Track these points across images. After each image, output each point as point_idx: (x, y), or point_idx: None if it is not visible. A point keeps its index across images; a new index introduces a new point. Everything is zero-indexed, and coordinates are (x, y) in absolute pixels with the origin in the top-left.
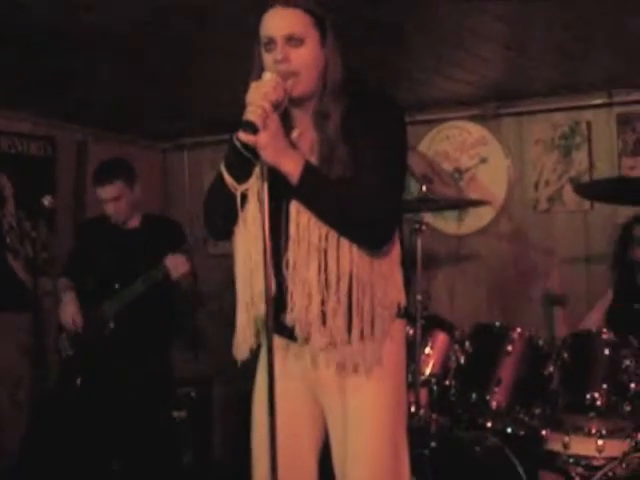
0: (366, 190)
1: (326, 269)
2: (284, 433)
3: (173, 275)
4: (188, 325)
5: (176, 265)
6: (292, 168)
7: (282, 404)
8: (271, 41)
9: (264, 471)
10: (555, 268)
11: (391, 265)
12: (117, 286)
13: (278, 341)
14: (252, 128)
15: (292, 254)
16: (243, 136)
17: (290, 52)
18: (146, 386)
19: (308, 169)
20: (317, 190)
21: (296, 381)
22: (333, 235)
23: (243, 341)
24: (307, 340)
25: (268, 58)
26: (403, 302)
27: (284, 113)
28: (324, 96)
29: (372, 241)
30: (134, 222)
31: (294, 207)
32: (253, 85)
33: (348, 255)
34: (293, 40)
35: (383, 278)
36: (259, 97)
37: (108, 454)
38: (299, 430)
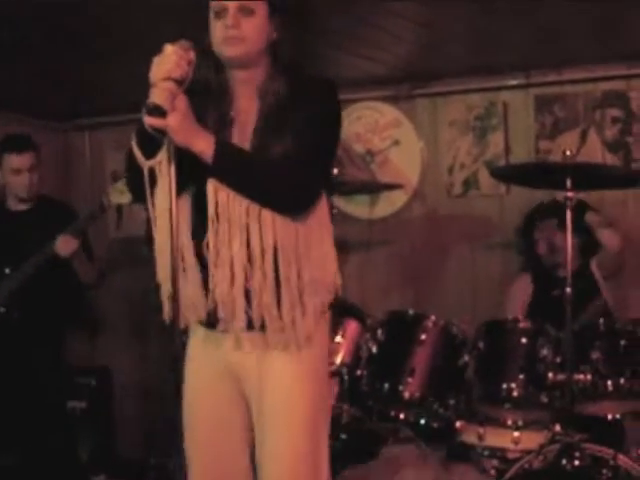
0: (285, 156)
1: (249, 245)
2: (209, 422)
3: (61, 253)
4: (86, 310)
5: (64, 244)
6: (204, 147)
7: (205, 392)
8: (223, 9)
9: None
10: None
11: (321, 240)
12: (7, 271)
13: (198, 328)
14: (160, 111)
15: (212, 234)
16: (151, 120)
17: (241, 19)
18: (40, 374)
19: (221, 145)
20: (233, 164)
21: (218, 368)
22: (254, 208)
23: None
24: (230, 322)
25: (218, 24)
26: (338, 282)
27: (223, 84)
28: (268, 69)
29: (291, 205)
30: (27, 204)
31: (211, 186)
32: (155, 61)
33: (271, 227)
34: (244, 10)
35: (311, 251)
36: (162, 75)
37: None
38: (225, 419)
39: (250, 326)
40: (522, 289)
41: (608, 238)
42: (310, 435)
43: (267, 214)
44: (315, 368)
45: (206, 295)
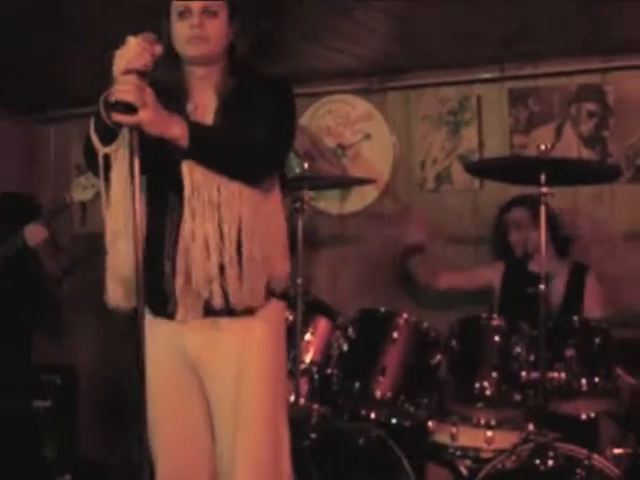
0: (252, 135)
1: (220, 222)
2: (173, 410)
3: (30, 242)
4: (52, 307)
5: (33, 233)
6: (178, 132)
7: (166, 379)
8: (188, 10)
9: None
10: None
11: (276, 222)
12: None
13: (159, 318)
14: (130, 108)
15: (188, 214)
16: (122, 118)
17: (205, 20)
18: (4, 373)
19: (193, 127)
20: (207, 142)
21: (178, 356)
22: (225, 186)
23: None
24: (191, 308)
25: (182, 24)
26: (287, 270)
27: (179, 81)
28: (225, 67)
29: (257, 170)
30: None
31: (186, 167)
32: (118, 53)
33: (238, 203)
34: (209, 11)
35: (269, 230)
36: (125, 66)
37: None
38: (191, 408)
39: (209, 313)
40: (489, 271)
41: (588, 311)
42: (269, 423)
43: (235, 189)
44: (274, 358)
45: (165, 283)
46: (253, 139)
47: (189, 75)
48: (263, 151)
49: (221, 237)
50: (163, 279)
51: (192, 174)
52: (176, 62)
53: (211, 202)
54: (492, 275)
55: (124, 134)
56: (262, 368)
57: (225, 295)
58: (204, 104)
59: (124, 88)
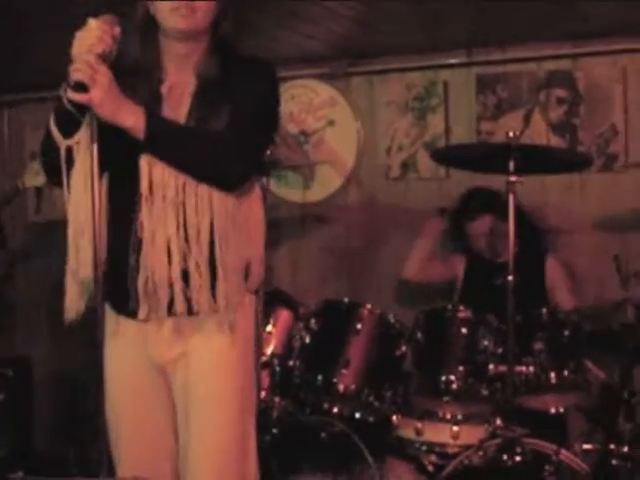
0: (221, 131)
1: (185, 223)
2: (137, 408)
3: None
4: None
5: None
6: (134, 122)
7: (130, 379)
8: None
9: (127, 453)
10: None
11: (253, 218)
12: None
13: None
14: (81, 87)
15: (146, 213)
16: (74, 96)
17: None
18: None
19: (152, 118)
20: (167, 136)
21: (142, 355)
22: (191, 184)
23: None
24: (158, 308)
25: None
26: (262, 270)
27: (152, 59)
28: (207, 46)
29: (228, 179)
30: None
31: (145, 162)
32: (77, 35)
33: (208, 205)
34: None
35: (243, 232)
36: (84, 50)
37: None
38: (152, 408)
39: (174, 311)
40: (449, 264)
41: (561, 300)
42: (237, 427)
43: (204, 191)
44: (242, 356)
45: (128, 280)
46: (226, 138)
47: (166, 52)
48: (237, 153)
49: (186, 240)
50: (126, 275)
51: (151, 170)
52: (152, 37)
53: (174, 202)
54: (457, 265)
55: (86, 124)
56: (229, 366)
57: (189, 301)
58: (181, 85)
59: (77, 67)
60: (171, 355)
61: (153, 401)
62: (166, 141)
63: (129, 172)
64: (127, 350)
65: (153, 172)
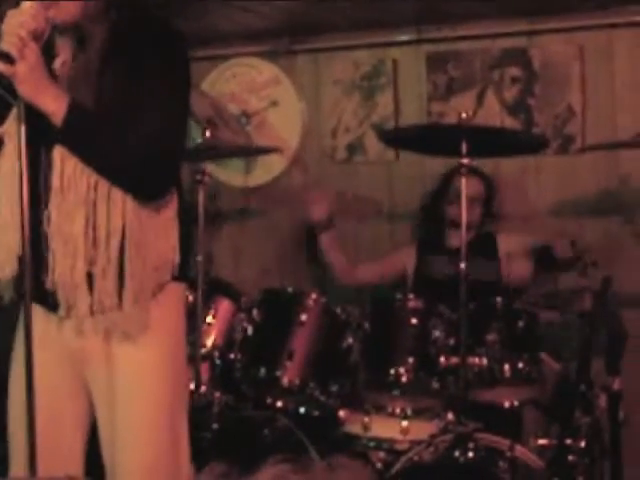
0: (143, 134)
1: (95, 224)
2: (43, 411)
3: None
4: None
5: None
6: (55, 107)
7: (40, 378)
8: None
9: (22, 454)
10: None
11: (167, 221)
12: None
13: (36, 308)
14: (7, 58)
15: (55, 207)
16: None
17: None
18: None
19: (74, 108)
20: (84, 133)
21: (56, 353)
22: (104, 185)
23: None
24: (72, 306)
25: None
26: (177, 261)
27: (47, 42)
28: (86, 19)
29: (149, 191)
30: None
31: (58, 153)
32: (9, 13)
33: (121, 209)
34: None
35: (157, 235)
36: (15, 25)
37: None
38: (60, 407)
39: (93, 310)
40: (398, 258)
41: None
42: (167, 425)
43: (117, 193)
44: (168, 351)
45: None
46: (148, 148)
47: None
48: (157, 165)
49: (94, 243)
50: (43, 269)
51: (63, 163)
52: None
53: (84, 200)
54: (406, 259)
55: (14, 115)
56: (156, 361)
57: (95, 302)
58: (71, 59)
59: (7, 39)
60: (89, 353)
61: (63, 401)
62: (82, 135)
63: (45, 161)
64: (37, 348)
65: (66, 164)
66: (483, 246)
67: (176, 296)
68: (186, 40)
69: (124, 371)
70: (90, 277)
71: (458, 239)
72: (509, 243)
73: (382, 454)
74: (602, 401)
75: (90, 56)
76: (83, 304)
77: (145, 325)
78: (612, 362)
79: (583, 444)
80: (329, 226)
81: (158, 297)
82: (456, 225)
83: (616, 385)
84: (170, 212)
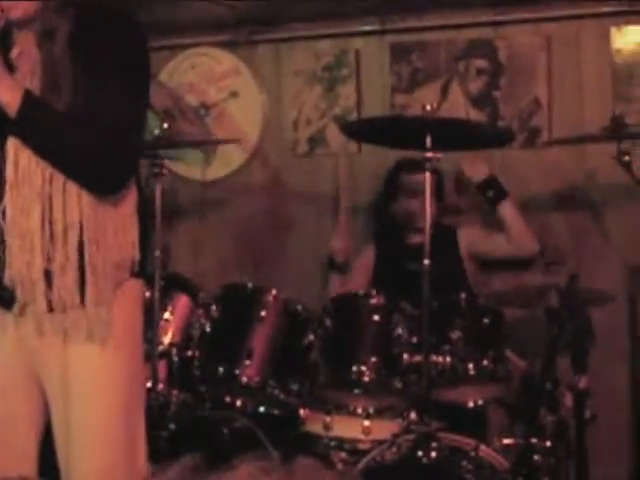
0: (100, 125)
1: (51, 218)
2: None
3: None
4: None
5: None
6: (9, 98)
7: None
8: None
9: None
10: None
11: (126, 216)
12: None
13: None
14: None
15: (10, 201)
16: None
17: None
18: None
19: (29, 99)
20: (39, 124)
21: (11, 351)
22: (59, 178)
23: None
24: (30, 303)
25: None
26: (137, 258)
27: (3, 32)
28: (47, 10)
29: (105, 186)
30: None
31: (12, 145)
32: None
33: (77, 202)
34: None
35: (117, 231)
36: None
37: None
38: (14, 407)
39: (52, 308)
40: (364, 264)
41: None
42: (124, 424)
43: (73, 187)
44: (126, 350)
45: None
46: (105, 142)
47: None
48: (113, 165)
49: (51, 238)
50: (0, 265)
51: (17, 155)
52: None
53: (39, 194)
54: (367, 262)
55: None
56: (113, 360)
57: (54, 299)
58: (31, 51)
59: None
60: (41, 352)
61: (15, 401)
62: (36, 127)
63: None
64: None
65: (20, 157)
66: (443, 241)
67: (135, 293)
68: (145, 31)
69: (80, 370)
70: (48, 274)
71: (417, 235)
72: (470, 237)
73: (344, 454)
74: (568, 400)
75: (53, 49)
76: (42, 302)
77: (109, 324)
78: (578, 360)
79: (549, 444)
80: (343, 271)
81: (117, 294)
82: (413, 221)
83: (582, 383)
84: (129, 207)
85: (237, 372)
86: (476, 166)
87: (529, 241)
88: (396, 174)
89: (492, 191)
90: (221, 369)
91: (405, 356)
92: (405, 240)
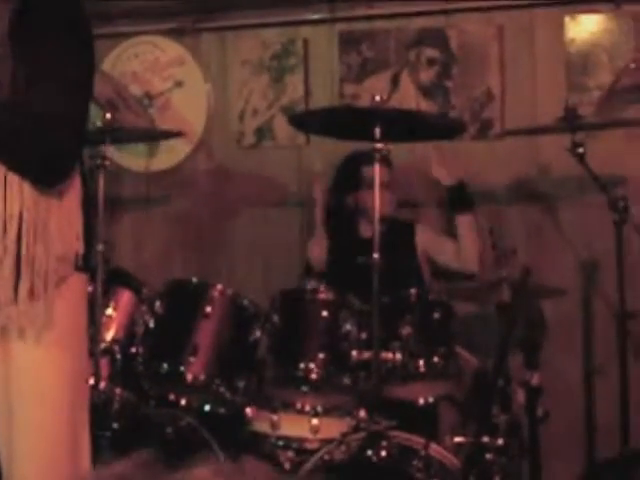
0: (40, 116)
1: None
2: None
3: None
4: None
5: None
6: None
7: None
8: None
9: None
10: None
11: (70, 208)
12: None
13: None
14: None
15: None
16: None
17: None
18: None
19: None
20: None
21: None
22: (0, 169)
23: None
24: None
25: None
26: (81, 252)
27: None
28: None
29: (47, 177)
30: None
31: None
32: None
33: (18, 194)
34: None
35: (60, 223)
36: None
37: None
38: None
39: None
40: (317, 254)
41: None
42: (67, 422)
43: (14, 178)
44: (70, 348)
45: None
46: (47, 129)
47: None
48: (56, 153)
49: None
50: None
51: None
52: None
53: None
54: (320, 261)
55: None
56: (56, 359)
57: None
58: None
59: None
60: None
61: None
62: None
63: None
64: None
65: None
66: (398, 236)
67: (78, 288)
68: (89, 19)
69: (22, 369)
70: None
71: (370, 229)
72: (424, 236)
73: (291, 454)
74: (520, 397)
75: None
76: None
77: (48, 321)
78: (531, 356)
79: (501, 442)
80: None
81: (62, 289)
82: (368, 214)
83: (535, 380)
84: (74, 199)
85: (182, 369)
86: (444, 169)
87: (473, 262)
88: (354, 166)
89: (456, 200)
90: (165, 366)
91: (354, 353)
92: (358, 233)
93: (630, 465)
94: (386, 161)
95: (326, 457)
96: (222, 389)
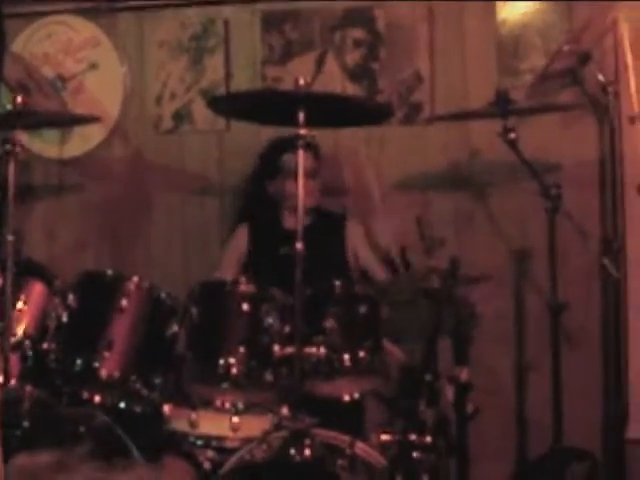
0: None
1: None
2: None
3: None
4: None
5: None
6: None
7: None
8: None
9: None
10: None
11: None
12: None
13: None
14: None
15: None
16: None
17: None
18: None
19: None
20: None
21: None
22: None
23: None
24: None
25: None
26: None
27: None
28: None
29: None
30: None
31: None
32: None
33: None
34: None
35: None
36: None
37: None
38: None
39: None
40: (236, 246)
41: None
42: None
43: None
44: None
45: None
46: None
47: None
48: None
49: None
50: None
51: None
52: None
53: None
54: (240, 254)
55: None
56: None
57: None
58: None
59: None
60: None
61: None
62: None
63: None
64: None
65: None
66: (327, 227)
67: None
68: None
69: None
70: None
71: (294, 218)
72: (354, 235)
73: (211, 453)
74: (449, 393)
75: None
76: None
77: None
78: (460, 350)
79: (428, 439)
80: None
81: None
82: (290, 203)
83: (464, 375)
84: None
85: (96, 365)
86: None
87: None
88: (276, 152)
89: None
90: (79, 362)
91: (276, 347)
92: (281, 223)
93: (562, 463)
94: (311, 148)
95: (247, 456)
96: (138, 386)
